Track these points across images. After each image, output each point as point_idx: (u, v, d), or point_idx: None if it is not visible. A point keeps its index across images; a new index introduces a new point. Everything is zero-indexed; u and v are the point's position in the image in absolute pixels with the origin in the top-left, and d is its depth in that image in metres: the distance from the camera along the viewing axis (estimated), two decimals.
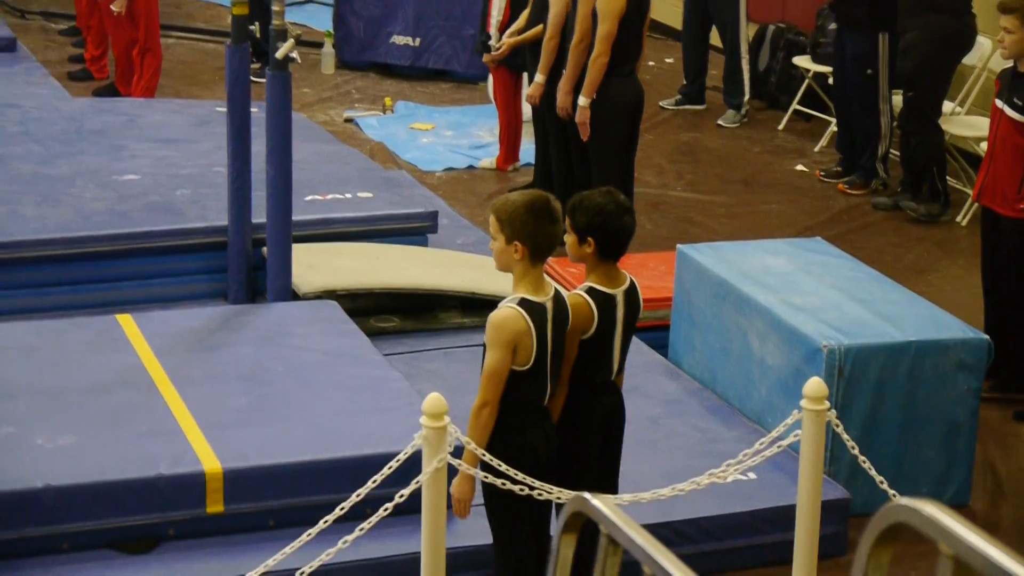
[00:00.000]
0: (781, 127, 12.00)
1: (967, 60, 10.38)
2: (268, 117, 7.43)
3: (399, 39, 12.96)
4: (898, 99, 10.48)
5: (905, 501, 2.74)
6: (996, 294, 8.03)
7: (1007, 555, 2.48)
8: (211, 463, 5.94)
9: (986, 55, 10.46)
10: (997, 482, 7.18)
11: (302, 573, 5.14)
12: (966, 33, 10.11)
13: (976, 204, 8.66)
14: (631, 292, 5.51)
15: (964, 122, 10.54)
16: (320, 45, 13.17)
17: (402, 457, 5.09)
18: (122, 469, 5.88)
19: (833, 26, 11.08)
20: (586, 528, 3.88)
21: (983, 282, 8.14)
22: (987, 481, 7.17)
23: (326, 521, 5.10)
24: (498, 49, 10.29)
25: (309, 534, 5.09)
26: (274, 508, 5.96)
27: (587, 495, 3.67)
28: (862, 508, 6.50)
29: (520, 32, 10.06)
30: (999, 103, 7.83)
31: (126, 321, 7.14)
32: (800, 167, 11.24)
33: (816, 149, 11.54)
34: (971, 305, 8.24)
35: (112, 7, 11.34)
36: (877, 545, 2.81)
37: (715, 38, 12.38)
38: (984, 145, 8.25)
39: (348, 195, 8.72)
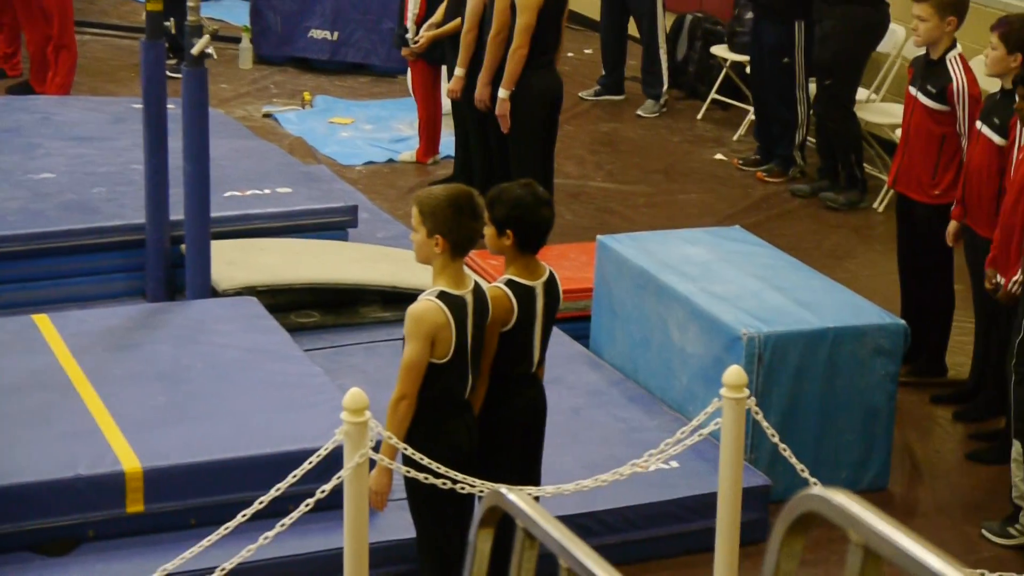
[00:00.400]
0: (700, 116, 12.05)
1: (881, 48, 10.46)
2: (185, 113, 7.38)
3: (317, 33, 12.92)
4: (812, 87, 10.54)
5: (815, 491, 2.76)
6: (912, 279, 8.10)
7: (915, 542, 2.50)
8: (131, 462, 5.90)
9: (899, 43, 10.55)
10: (915, 465, 7.24)
11: (223, 570, 5.12)
12: (882, 22, 10.21)
13: (892, 190, 8.72)
14: (550, 284, 5.52)
15: (879, 109, 10.63)
16: (237, 40, 13.09)
17: (323, 453, 5.08)
18: (40, 470, 5.82)
19: (750, 15, 11.14)
20: (504, 522, 3.89)
21: (899, 268, 8.21)
22: (905, 465, 7.23)
23: (244, 515, 5.07)
24: (416, 42, 10.27)
25: (227, 527, 5.06)
26: (195, 506, 5.92)
27: (503, 489, 3.68)
28: (783, 494, 6.52)
29: (438, 25, 10.04)
30: (912, 90, 7.89)
31: (42, 321, 7.08)
32: (719, 156, 11.29)
33: (734, 138, 11.60)
34: (888, 291, 8.31)
35: None
36: (789, 534, 2.83)
37: (633, 28, 12.40)
38: (899, 132, 8.31)
39: (267, 191, 8.68)
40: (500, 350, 5.43)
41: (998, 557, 6.44)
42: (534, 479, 5.64)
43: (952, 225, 7.55)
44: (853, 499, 2.69)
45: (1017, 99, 6.87)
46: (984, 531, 6.64)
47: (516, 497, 3.58)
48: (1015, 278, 6.89)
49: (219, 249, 7.69)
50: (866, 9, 10.05)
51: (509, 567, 3.67)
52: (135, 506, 5.85)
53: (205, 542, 5.12)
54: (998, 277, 7.01)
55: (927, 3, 7.76)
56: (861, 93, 10.50)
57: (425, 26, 10.18)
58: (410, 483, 5.28)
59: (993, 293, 7.09)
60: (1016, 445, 6.47)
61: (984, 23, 7.84)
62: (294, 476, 5.09)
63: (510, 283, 5.43)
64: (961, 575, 2.44)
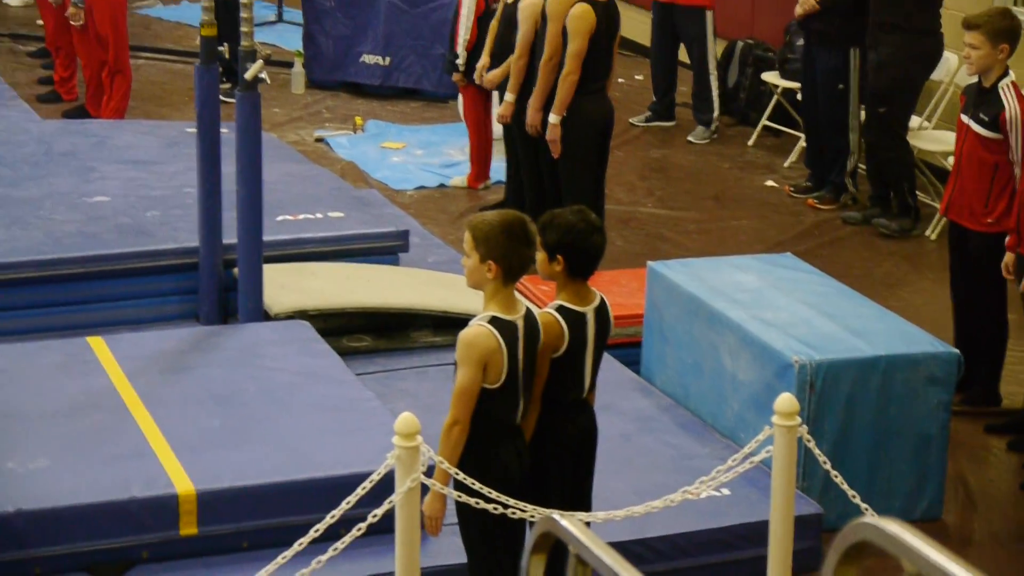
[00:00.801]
0: (751, 143, 12.05)
1: (933, 75, 10.44)
2: (238, 138, 7.42)
3: (369, 58, 12.98)
4: (862, 114, 10.52)
5: (868, 519, 2.76)
6: (965, 308, 8.06)
7: (968, 571, 2.50)
8: (184, 485, 5.92)
9: (952, 70, 10.52)
10: (969, 495, 7.20)
11: None
12: (938, 50, 10.19)
13: (944, 218, 8.69)
14: (601, 310, 5.52)
15: (931, 136, 10.61)
16: (290, 65, 13.18)
17: (375, 477, 5.09)
18: (95, 492, 5.85)
19: (801, 42, 11.12)
20: (556, 548, 3.89)
21: (952, 296, 8.17)
22: (959, 495, 7.19)
23: (300, 543, 5.08)
24: (461, 68, 10.34)
25: (284, 556, 5.07)
26: (248, 529, 5.94)
27: (556, 515, 3.68)
28: (835, 523, 6.50)
29: (491, 53, 10.06)
30: (965, 118, 7.87)
31: (97, 343, 7.12)
32: (770, 183, 11.27)
33: (786, 164, 11.58)
34: (941, 319, 8.27)
35: (71, 21, 11.35)
36: (843, 562, 2.83)
37: (684, 55, 12.41)
38: (951, 160, 8.28)
39: (319, 215, 8.72)
40: (551, 376, 5.43)
41: None
42: (585, 505, 5.63)
43: (1007, 256, 7.50)
44: (906, 528, 2.68)
45: None
46: None
47: (568, 523, 3.58)
48: None
49: (271, 273, 7.72)
50: (923, 36, 10.03)
51: None
52: (188, 528, 5.87)
53: (263, 572, 5.13)
54: None
55: (979, 31, 7.74)
56: (913, 120, 10.48)
57: (481, 61, 10.16)
58: (462, 508, 5.28)
59: None
60: None
61: None
62: (348, 502, 5.10)
63: (561, 309, 5.44)
64: None
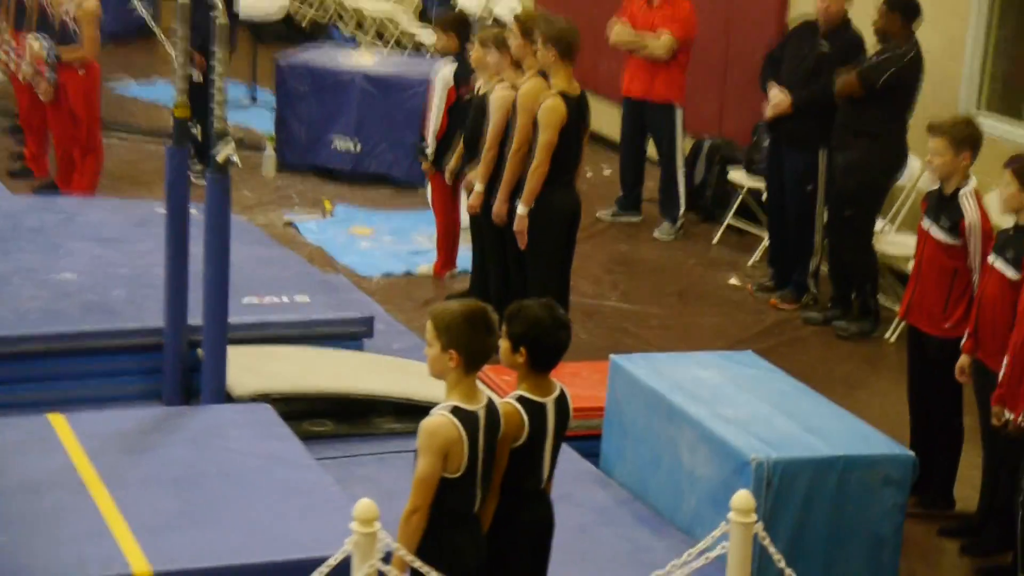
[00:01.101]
0: (715, 240, 12.12)
1: (899, 180, 10.52)
2: (207, 219, 7.42)
3: (340, 143, 13.04)
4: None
5: None
6: (921, 411, 8.12)
7: None
8: (141, 566, 5.88)
9: (915, 175, 10.61)
10: None
11: None
12: (903, 156, 10.28)
13: (904, 322, 8.74)
14: (561, 401, 5.55)
15: (893, 240, 10.68)
16: (262, 148, 13.21)
17: (332, 562, 5.08)
18: (52, 572, 5.81)
19: (768, 142, 11.18)
20: None
21: (909, 398, 8.22)
22: None
23: None
24: (435, 159, 10.43)
25: None
26: None
27: None
28: None
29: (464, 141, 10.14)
30: (926, 224, 7.94)
31: (58, 421, 7.09)
32: (733, 281, 11.34)
33: (749, 263, 11.65)
34: (898, 421, 8.32)
35: (41, 96, 11.41)
36: None
37: (652, 150, 12.49)
38: (912, 263, 8.35)
39: (285, 298, 8.70)
40: (510, 465, 5.44)
41: None
42: None
43: (963, 359, 7.57)
44: None
45: None
46: None
47: None
48: None
49: (235, 355, 7.71)
50: (890, 141, 10.13)
51: None
52: None
53: None
54: (1006, 412, 7.04)
55: (943, 138, 7.82)
56: (876, 224, 10.55)
57: (452, 159, 10.27)
58: None
59: (1001, 429, 7.11)
60: None
61: (1000, 158, 7.89)
62: None
63: (522, 399, 5.47)
64: None
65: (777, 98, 10.61)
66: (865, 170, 10.13)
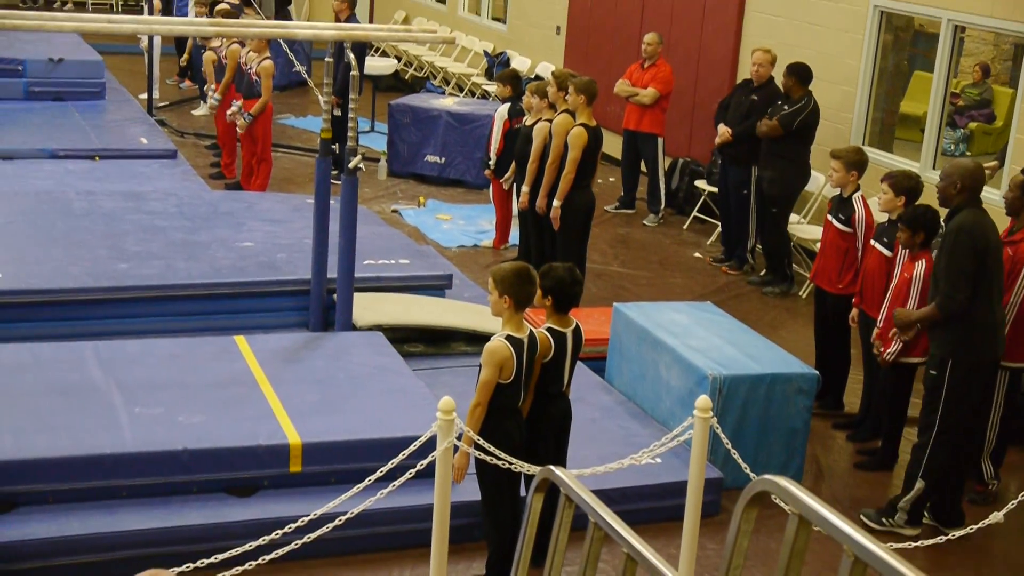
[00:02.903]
0: (685, 227, 12.02)
1: (810, 187, 10.44)
2: (341, 207, 7.43)
3: (431, 158, 12.98)
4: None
5: (768, 477, 2.75)
6: (823, 344, 8.05)
7: (831, 512, 2.49)
8: (294, 438, 5.92)
9: (821, 185, 10.52)
10: (820, 470, 7.17)
11: (352, 513, 5.12)
12: (808, 172, 10.19)
13: (812, 284, 8.67)
14: (576, 332, 5.53)
15: (806, 229, 10.58)
16: (377, 160, 13.19)
17: (423, 439, 5.08)
18: (234, 439, 5.86)
19: (720, 161, 11.13)
20: (549, 491, 3.87)
21: (815, 335, 8.15)
22: (814, 469, 7.15)
23: (369, 480, 5.08)
24: (495, 169, 10.35)
25: (358, 488, 5.06)
26: (335, 470, 5.93)
27: (553, 468, 3.66)
28: (731, 484, 6.50)
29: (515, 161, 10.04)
30: (829, 217, 7.86)
31: (241, 341, 7.13)
32: (697, 254, 11.25)
33: (708, 243, 11.55)
34: (807, 350, 8.24)
35: (236, 125, 11.38)
36: (748, 506, 2.82)
37: (643, 166, 12.40)
38: (819, 244, 8.27)
39: (392, 261, 8.71)
40: (541, 375, 5.43)
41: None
42: (563, 465, 5.61)
43: (853, 311, 7.49)
44: (793, 484, 2.67)
45: (899, 230, 6.87)
46: (862, 516, 6.56)
47: (561, 473, 3.58)
48: (890, 350, 6.86)
49: (358, 299, 7.72)
50: (799, 164, 10.08)
51: (550, 522, 3.65)
52: (296, 467, 5.87)
53: (344, 496, 5.12)
54: (880, 346, 6.97)
55: (839, 160, 7.80)
56: (793, 217, 10.48)
57: (508, 175, 10.15)
58: (479, 463, 5.27)
59: (876, 357, 7.04)
60: (920, 483, 6.34)
61: (878, 175, 7.81)
62: (403, 455, 5.09)
63: (550, 330, 5.45)
64: (862, 535, 2.42)
65: (722, 133, 10.54)
66: (784, 183, 10.04)
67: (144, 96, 14.75)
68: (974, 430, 6.55)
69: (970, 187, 6.14)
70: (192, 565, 4.80)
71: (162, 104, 15.27)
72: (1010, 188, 6.79)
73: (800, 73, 9.96)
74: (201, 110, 14.87)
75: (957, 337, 6.15)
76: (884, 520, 6.46)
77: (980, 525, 5.80)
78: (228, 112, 11.58)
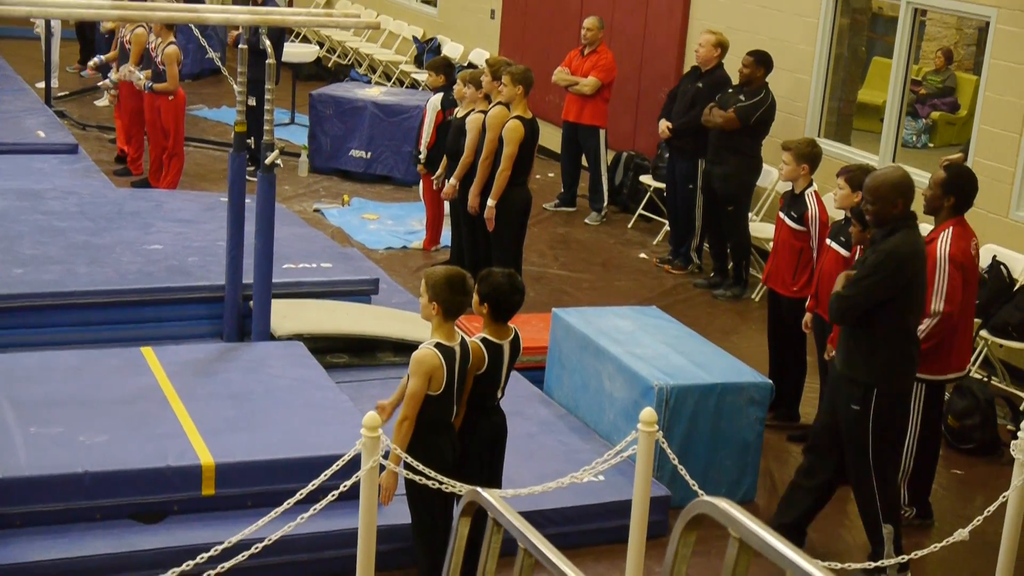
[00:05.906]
0: (630, 226, 12.08)
1: (761, 183, 10.52)
2: (257, 206, 7.39)
3: (355, 152, 12.94)
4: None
5: (706, 498, 2.76)
6: (776, 351, 8.12)
7: (774, 536, 2.51)
8: (206, 458, 5.87)
9: (774, 180, 10.62)
10: (774, 485, 7.23)
11: (269, 540, 5.08)
12: (760, 167, 10.27)
13: (764, 286, 8.73)
14: (515, 341, 5.53)
15: (758, 227, 10.66)
16: (298, 155, 13.12)
17: (346, 458, 5.06)
18: (141, 460, 5.80)
19: (667, 155, 11.18)
20: (477, 513, 3.86)
21: (768, 342, 8.22)
22: (768, 484, 7.21)
23: (289, 503, 5.04)
24: (426, 164, 10.32)
25: (276, 512, 5.03)
26: (251, 493, 5.89)
27: (479, 489, 3.66)
28: (679, 503, 6.50)
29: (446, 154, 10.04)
30: (782, 215, 7.94)
31: (148, 352, 7.06)
32: (642, 255, 11.31)
33: (654, 243, 11.61)
34: (760, 358, 8.32)
35: (137, 86, 11.32)
36: (686, 530, 2.83)
37: (584, 160, 12.44)
38: (771, 244, 8.34)
39: (313, 265, 8.68)
40: (474, 387, 5.43)
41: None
42: (497, 484, 5.61)
43: (807, 316, 7.55)
44: (732, 505, 2.68)
45: (853, 226, 6.93)
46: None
47: (488, 495, 3.57)
48: None
49: (277, 306, 7.68)
50: (752, 157, 10.15)
51: (479, 547, 3.65)
52: (208, 490, 5.82)
53: (260, 522, 5.07)
54: (832, 351, 7.01)
55: (789, 152, 7.88)
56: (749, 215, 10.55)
57: (439, 172, 10.10)
58: (409, 483, 5.26)
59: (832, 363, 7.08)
60: (887, 528, 6.16)
61: (834, 169, 7.88)
62: (325, 475, 5.06)
63: (484, 340, 5.44)
64: (804, 560, 2.44)
65: (662, 128, 10.63)
66: (739, 178, 10.10)
67: (41, 85, 14.54)
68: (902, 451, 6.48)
69: (907, 201, 5.95)
70: None
71: (62, 94, 15.07)
72: (930, 186, 6.56)
73: (767, 61, 10.02)
74: (104, 100, 14.69)
75: (880, 364, 5.97)
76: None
77: (928, 551, 5.69)
78: (126, 71, 11.46)
